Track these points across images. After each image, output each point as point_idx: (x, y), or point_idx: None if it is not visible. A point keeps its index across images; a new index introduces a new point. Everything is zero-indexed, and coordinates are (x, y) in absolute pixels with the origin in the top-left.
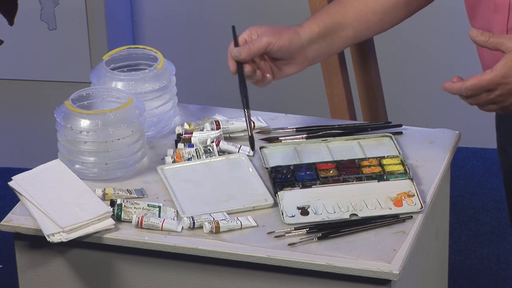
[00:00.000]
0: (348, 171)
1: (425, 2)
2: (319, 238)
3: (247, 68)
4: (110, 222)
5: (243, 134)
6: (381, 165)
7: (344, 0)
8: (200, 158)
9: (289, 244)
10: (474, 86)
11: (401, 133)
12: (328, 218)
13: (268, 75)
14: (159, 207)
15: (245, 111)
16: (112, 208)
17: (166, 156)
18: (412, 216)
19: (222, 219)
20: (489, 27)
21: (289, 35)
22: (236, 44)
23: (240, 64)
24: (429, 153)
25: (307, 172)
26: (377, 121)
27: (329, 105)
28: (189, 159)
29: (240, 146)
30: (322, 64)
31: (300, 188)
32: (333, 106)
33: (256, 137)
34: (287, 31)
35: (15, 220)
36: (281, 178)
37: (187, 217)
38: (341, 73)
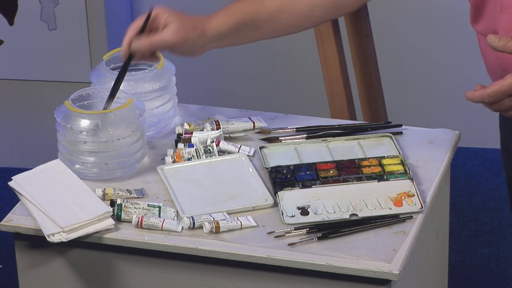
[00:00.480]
0: (348, 171)
1: (346, 11)
2: (319, 238)
3: (137, 58)
4: (110, 222)
5: (243, 134)
6: (381, 165)
7: None
8: (200, 158)
9: (289, 244)
10: (496, 92)
11: (401, 133)
12: (328, 218)
13: (157, 58)
14: (159, 207)
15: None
16: (112, 208)
17: (166, 156)
18: (412, 216)
19: (222, 219)
20: (494, 28)
21: (195, 37)
22: (143, 30)
23: (132, 54)
24: (429, 153)
25: (307, 172)
26: (377, 121)
27: (329, 105)
28: (189, 159)
29: (240, 146)
30: (322, 64)
31: (300, 188)
32: (333, 106)
33: (256, 137)
34: (194, 31)
35: (15, 220)
36: (281, 178)
37: (187, 217)
38: (341, 73)
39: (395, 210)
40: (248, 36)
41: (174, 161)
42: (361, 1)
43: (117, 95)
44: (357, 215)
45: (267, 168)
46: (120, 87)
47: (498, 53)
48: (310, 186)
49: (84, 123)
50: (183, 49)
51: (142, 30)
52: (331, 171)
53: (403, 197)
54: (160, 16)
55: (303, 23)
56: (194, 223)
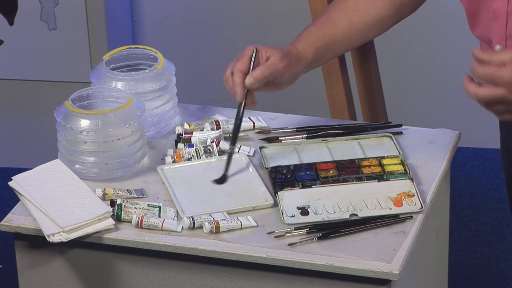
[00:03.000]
0: (348, 171)
1: (409, 12)
2: (319, 238)
3: (250, 98)
4: (110, 222)
5: (243, 134)
6: (381, 165)
7: (331, 19)
8: (200, 158)
9: (289, 244)
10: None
11: (401, 133)
12: (328, 218)
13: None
14: (159, 207)
15: (232, 146)
16: (112, 208)
17: (166, 156)
18: (412, 216)
19: (222, 219)
20: (488, 36)
21: (295, 65)
22: (250, 67)
23: (247, 92)
24: (429, 153)
25: (307, 172)
26: (377, 121)
27: (329, 105)
28: (189, 159)
29: (240, 146)
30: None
31: (300, 188)
32: (333, 106)
33: (256, 137)
34: (293, 60)
35: (15, 220)
36: (281, 178)
37: (187, 217)
38: (341, 73)
39: (395, 210)
40: (328, 57)
41: (174, 161)
42: (418, 4)
43: (117, 95)
44: (357, 215)
45: (267, 168)
46: (120, 87)
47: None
48: (310, 186)
49: (84, 123)
50: (287, 77)
51: (252, 68)
52: (331, 171)
53: (403, 197)
54: (260, 51)
55: (375, 32)
56: (194, 223)
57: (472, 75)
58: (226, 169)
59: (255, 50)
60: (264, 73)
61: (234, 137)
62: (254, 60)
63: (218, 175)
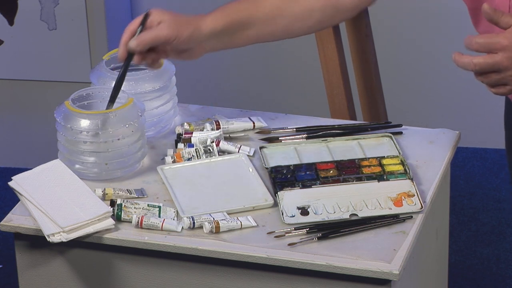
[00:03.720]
0: (348, 171)
1: (345, 17)
2: (319, 238)
3: (136, 59)
4: (110, 222)
5: (243, 134)
6: (381, 165)
7: None
8: (200, 158)
9: (289, 244)
10: (482, 64)
11: (401, 133)
12: (328, 218)
13: (159, 60)
14: (159, 207)
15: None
16: (112, 208)
17: (166, 156)
18: (412, 216)
19: (222, 219)
20: (491, 30)
21: (189, 31)
22: (141, 30)
23: (130, 54)
24: (429, 153)
25: (307, 172)
26: (377, 121)
27: (329, 105)
28: (189, 159)
29: (240, 146)
30: (322, 64)
31: (300, 188)
32: (333, 106)
33: (256, 137)
34: (188, 26)
35: (15, 220)
36: (281, 178)
37: (187, 217)
38: (341, 73)
39: (395, 210)
40: (243, 36)
41: (174, 161)
42: (359, 7)
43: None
44: (357, 215)
45: (267, 168)
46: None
47: None
48: (310, 186)
49: (84, 123)
50: (178, 46)
51: (141, 31)
52: (331, 171)
53: (403, 197)
54: (154, 16)
55: (300, 27)
56: (194, 223)
57: (467, 47)
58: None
59: (146, 14)
60: (145, 38)
61: (113, 96)
62: (144, 22)
63: (218, 175)
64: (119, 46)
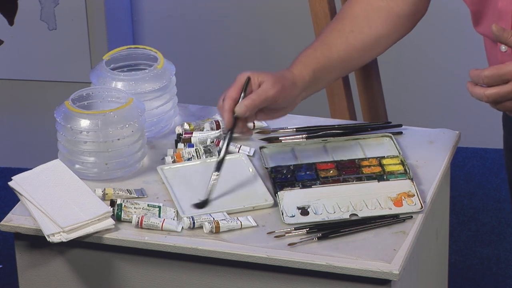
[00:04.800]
0: (348, 171)
1: (407, 29)
2: (319, 238)
3: (240, 126)
4: (110, 222)
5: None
6: (381, 165)
7: (327, 41)
8: (200, 158)
9: (289, 244)
10: (492, 75)
11: (401, 133)
12: (328, 218)
13: (252, 126)
14: (159, 207)
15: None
16: (112, 208)
17: (166, 156)
18: (412, 216)
19: (222, 219)
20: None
21: (289, 90)
22: (245, 91)
23: (235, 119)
24: (429, 153)
25: (307, 172)
26: (377, 121)
27: (329, 105)
28: (189, 159)
29: (240, 146)
30: None
31: (300, 188)
32: (333, 106)
33: (256, 137)
34: (287, 85)
35: (15, 220)
36: (281, 178)
37: (187, 217)
38: None
39: (395, 210)
40: (328, 79)
41: (174, 161)
42: (416, 17)
43: (117, 95)
44: (357, 215)
45: (267, 168)
46: (120, 87)
47: (500, 55)
48: (310, 186)
49: (84, 123)
50: (281, 102)
51: (243, 96)
52: (331, 171)
53: (403, 197)
54: (252, 78)
55: (372, 55)
56: (194, 223)
57: (474, 79)
58: (209, 193)
59: (247, 78)
60: (254, 101)
61: (219, 164)
62: (246, 87)
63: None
64: (223, 114)
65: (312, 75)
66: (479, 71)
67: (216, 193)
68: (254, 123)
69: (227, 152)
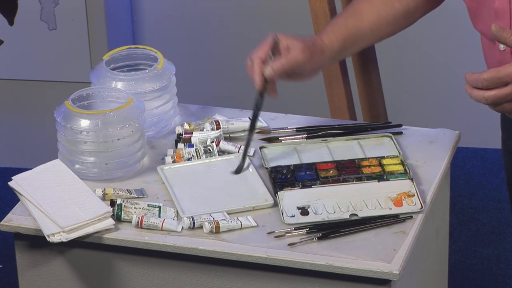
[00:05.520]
0: (348, 171)
1: (434, 5)
2: (319, 238)
3: (270, 88)
4: (110, 222)
5: (243, 134)
6: (381, 165)
7: (359, 11)
8: (200, 158)
9: (289, 244)
10: (491, 77)
11: (401, 133)
12: (328, 218)
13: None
14: (159, 207)
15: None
16: (112, 208)
17: (166, 156)
18: (412, 216)
19: (222, 219)
20: (491, 33)
21: (318, 57)
22: (273, 53)
23: (266, 82)
24: (429, 153)
25: (307, 172)
26: (377, 121)
27: (329, 105)
28: (189, 159)
29: (240, 146)
30: None
31: (300, 188)
32: (333, 106)
33: (256, 137)
34: (316, 52)
35: (15, 220)
36: (281, 178)
37: (187, 217)
38: (341, 73)
39: (395, 210)
40: (355, 48)
41: (174, 161)
42: None
43: (117, 95)
44: (357, 215)
45: (267, 168)
46: (120, 87)
47: (499, 54)
48: (310, 186)
49: (84, 123)
50: (309, 68)
51: (272, 56)
52: (331, 171)
53: (403, 197)
54: (281, 40)
55: (400, 26)
56: (194, 223)
57: (473, 82)
58: (244, 158)
59: (276, 40)
60: (284, 66)
61: (252, 127)
62: (274, 49)
63: (218, 175)
64: (253, 75)
65: (341, 44)
66: (478, 75)
67: (216, 193)
68: None
69: (258, 114)
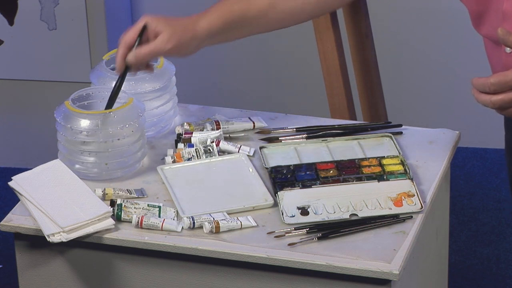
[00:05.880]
0: (348, 171)
1: (338, 5)
2: (319, 238)
3: (133, 71)
4: (110, 222)
5: (243, 134)
6: (381, 165)
7: None
8: (200, 158)
9: (289, 244)
10: (499, 82)
11: (401, 133)
12: (328, 218)
13: (150, 64)
14: (159, 207)
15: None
16: (112, 208)
17: (166, 156)
18: (412, 216)
19: (222, 219)
20: (496, 36)
21: (188, 40)
22: (139, 42)
23: (127, 67)
24: (429, 153)
25: (307, 172)
26: (377, 121)
27: (329, 105)
28: (189, 159)
29: (240, 146)
30: (322, 64)
31: (300, 188)
32: (333, 106)
33: (256, 137)
34: (186, 34)
35: (15, 220)
36: (281, 178)
37: (187, 217)
38: (341, 73)
39: (395, 210)
40: (238, 33)
41: (174, 161)
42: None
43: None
44: (357, 215)
45: (267, 168)
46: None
47: (505, 56)
48: (310, 186)
49: (84, 123)
50: (177, 53)
51: (138, 43)
52: (331, 171)
53: (403, 197)
54: (150, 25)
55: (293, 20)
56: (194, 223)
57: (480, 87)
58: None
59: (144, 26)
60: (145, 55)
61: (110, 102)
62: (141, 34)
63: (218, 175)
64: (116, 58)
65: (221, 27)
66: (484, 79)
67: (216, 193)
68: (254, 123)
69: (116, 94)
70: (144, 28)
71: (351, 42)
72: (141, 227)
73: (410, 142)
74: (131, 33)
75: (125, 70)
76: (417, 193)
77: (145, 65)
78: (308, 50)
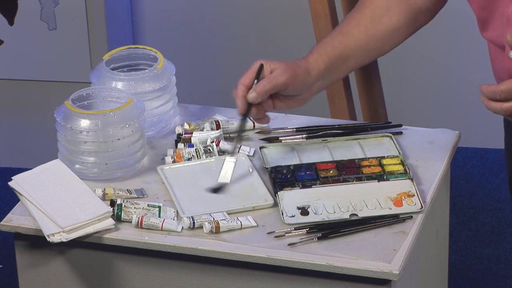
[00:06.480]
0: (348, 171)
1: (426, 20)
2: (319, 238)
3: (254, 111)
4: (110, 222)
5: (243, 134)
6: (381, 165)
7: (345, 30)
8: (200, 158)
9: (289, 244)
10: (509, 89)
11: (401, 133)
12: (328, 218)
13: (268, 115)
14: (159, 207)
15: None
16: (112, 208)
17: (166, 156)
18: (412, 216)
19: (222, 219)
20: (501, 40)
21: (302, 77)
22: (258, 79)
23: (249, 105)
24: (429, 153)
25: (307, 172)
26: (377, 121)
27: (329, 105)
28: (189, 159)
29: (240, 146)
30: None
31: (300, 188)
32: (333, 106)
33: (256, 137)
34: (300, 72)
35: (15, 220)
36: (281, 178)
37: (187, 217)
38: None
39: (395, 210)
40: (344, 68)
41: (174, 161)
42: (436, 10)
43: (117, 95)
44: (357, 215)
45: (267, 168)
46: (120, 87)
47: (508, 61)
48: (310, 186)
49: (84, 123)
50: (293, 89)
51: (256, 83)
52: (331, 171)
53: (403, 197)
54: (265, 65)
55: (391, 44)
56: (194, 223)
57: (490, 95)
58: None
59: (260, 66)
60: (265, 87)
61: (234, 147)
62: (259, 74)
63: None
64: (236, 100)
65: (327, 63)
66: (494, 87)
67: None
68: (254, 123)
69: (241, 137)
70: (261, 69)
71: None
72: (141, 227)
73: (410, 142)
74: (248, 74)
75: (248, 109)
76: (417, 193)
77: (266, 109)
78: (308, 51)
